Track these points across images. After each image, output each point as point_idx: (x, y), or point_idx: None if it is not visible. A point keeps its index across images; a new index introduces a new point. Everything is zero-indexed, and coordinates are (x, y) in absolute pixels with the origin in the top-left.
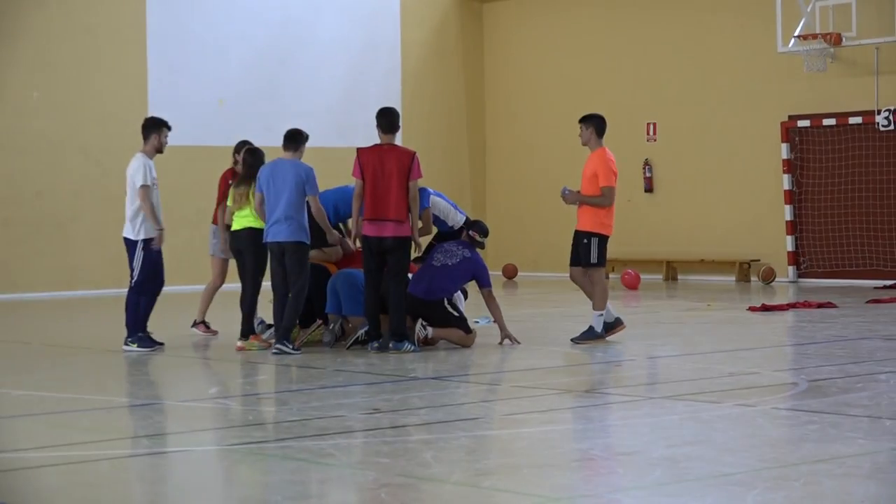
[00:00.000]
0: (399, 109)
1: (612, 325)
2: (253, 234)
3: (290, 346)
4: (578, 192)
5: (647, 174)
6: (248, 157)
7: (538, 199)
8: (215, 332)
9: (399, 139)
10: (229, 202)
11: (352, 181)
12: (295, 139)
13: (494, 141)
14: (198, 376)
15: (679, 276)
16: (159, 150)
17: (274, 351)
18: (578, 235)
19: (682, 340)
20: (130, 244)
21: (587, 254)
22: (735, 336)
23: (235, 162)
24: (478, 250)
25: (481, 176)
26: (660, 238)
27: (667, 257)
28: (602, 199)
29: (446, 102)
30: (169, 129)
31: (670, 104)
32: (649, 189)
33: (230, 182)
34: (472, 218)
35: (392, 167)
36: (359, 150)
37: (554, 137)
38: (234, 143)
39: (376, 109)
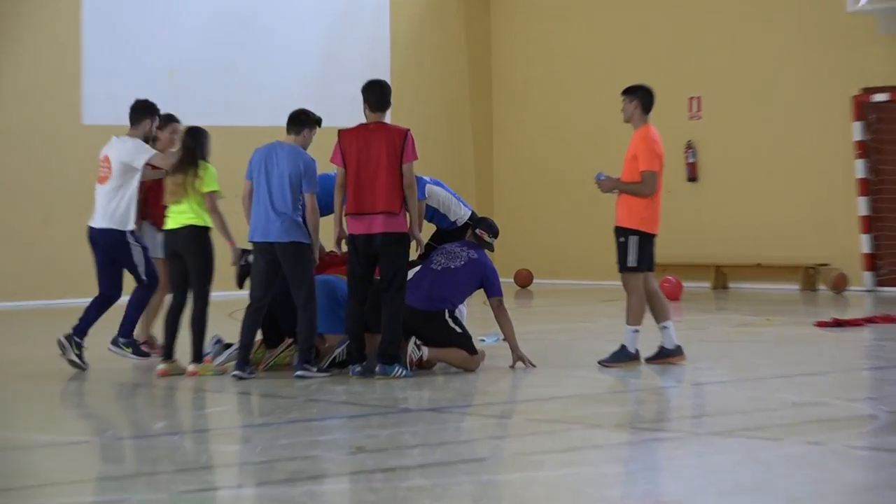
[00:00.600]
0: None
1: (670, 353)
2: (195, 233)
3: (315, 368)
4: (617, 178)
5: (690, 159)
6: (188, 140)
7: (557, 191)
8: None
9: (388, 120)
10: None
11: (332, 168)
12: (299, 121)
13: (503, 123)
14: (141, 407)
15: (730, 284)
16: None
17: (297, 374)
18: (616, 233)
19: (735, 363)
20: (118, 238)
21: (623, 255)
22: (800, 358)
23: (155, 139)
24: (486, 252)
25: (488, 165)
26: (706, 237)
27: (715, 261)
28: (641, 187)
29: (445, 77)
30: (159, 116)
31: (717, 74)
32: (693, 177)
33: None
34: (478, 214)
35: (380, 150)
36: (340, 132)
37: (577, 116)
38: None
39: (359, 84)
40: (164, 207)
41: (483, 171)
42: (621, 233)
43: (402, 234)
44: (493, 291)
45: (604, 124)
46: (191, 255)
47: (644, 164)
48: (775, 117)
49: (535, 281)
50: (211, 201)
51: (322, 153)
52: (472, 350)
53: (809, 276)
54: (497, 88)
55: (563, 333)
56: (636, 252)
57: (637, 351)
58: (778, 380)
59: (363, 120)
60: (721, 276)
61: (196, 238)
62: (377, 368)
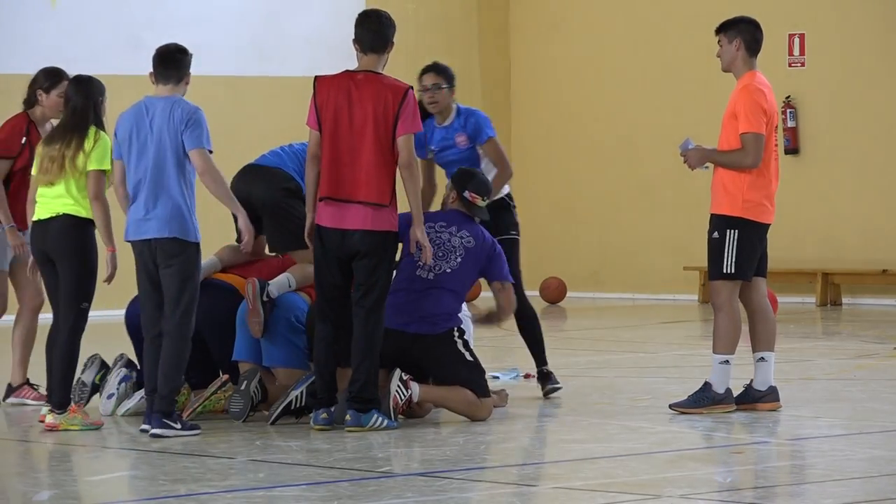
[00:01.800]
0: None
1: (760, 396)
2: (72, 226)
3: (179, 423)
4: (712, 148)
5: (790, 123)
6: (74, 94)
7: (601, 169)
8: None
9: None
10: (34, 170)
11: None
12: (173, 62)
13: (524, 67)
14: (17, 471)
15: (845, 299)
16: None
17: (151, 432)
18: (710, 225)
19: (851, 409)
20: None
21: (717, 256)
22: None
23: (34, 102)
24: (477, 221)
25: (503, 129)
26: (811, 233)
27: (822, 267)
28: (740, 155)
29: (446, 21)
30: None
31: (825, 5)
32: (793, 149)
33: (25, 138)
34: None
35: (367, 110)
36: (317, 79)
37: (628, 58)
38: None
39: (322, 20)
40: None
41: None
42: (717, 224)
43: (388, 233)
44: (497, 275)
45: (656, 82)
46: (64, 260)
47: (745, 124)
48: None
49: (568, 294)
50: (96, 185)
51: (270, 113)
52: (481, 391)
53: None
54: (517, 42)
55: (608, 368)
56: (736, 252)
57: (728, 391)
58: None
59: (327, 66)
60: (831, 288)
61: (72, 233)
62: (348, 417)
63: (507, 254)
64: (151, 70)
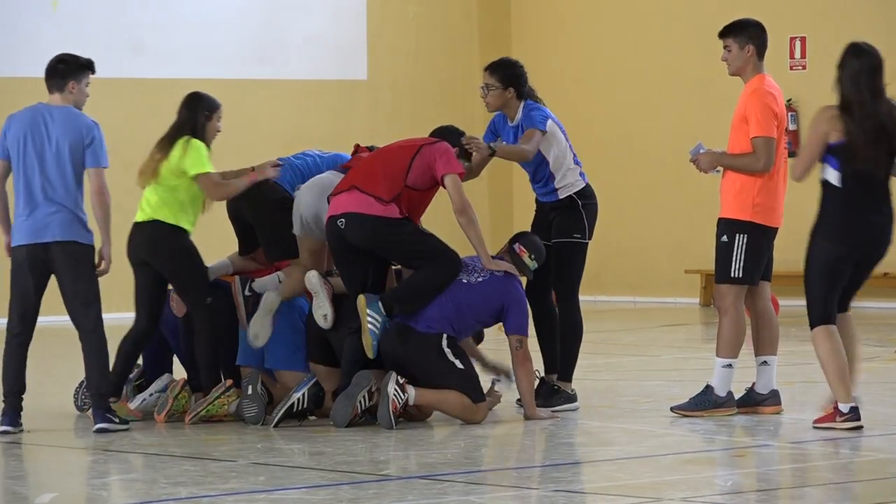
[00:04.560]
0: (362, 33)
1: (762, 400)
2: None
3: (118, 418)
4: (723, 151)
5: (791, 126)
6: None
7: (599, 177)
8: None
9: (364, 76)
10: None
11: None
12: (54, 72)
13: (524, 60)
14: (17, 474)
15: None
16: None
17: (96, 428)
18: (718, 229)
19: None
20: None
21: (726, 260)
22: None
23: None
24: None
25: None
26: None
27: None
28: (751, 159)
29: (447, 25)
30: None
31: (830, 6)
32: (794, 152)
33: None
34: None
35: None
36: None
37: (624, 77)
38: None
39: (322, 23)
40: None
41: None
42: (726, 228)
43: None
44: (515, 327)
45: (660, 80)
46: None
47: (757, 129)
48: None
49: None
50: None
51: (271, 116)
52: (476, 395)
53: None
54: (518, 23)
55: (610, 371)
56: (744, 256)
57: (730, 394)
58: None
59: (322, 68)
60: None
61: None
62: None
63: (566, 257)
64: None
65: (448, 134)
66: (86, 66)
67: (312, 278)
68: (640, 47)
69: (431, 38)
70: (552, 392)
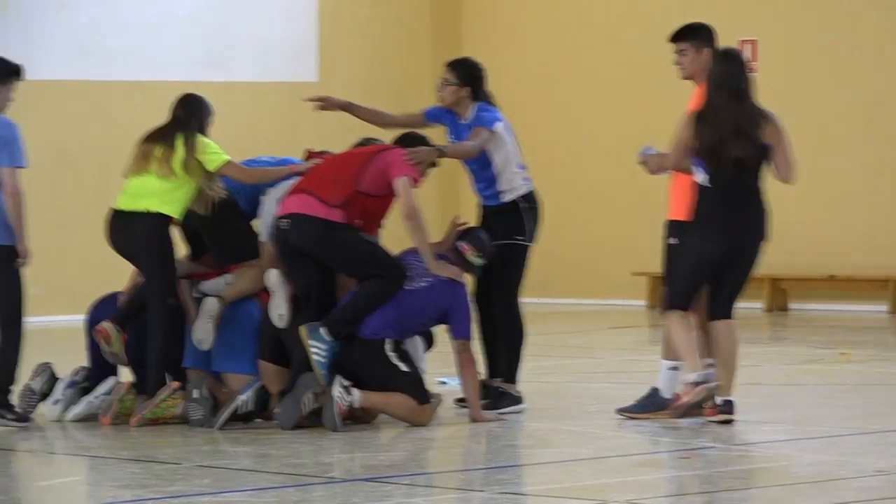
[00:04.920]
0: (314, 35)
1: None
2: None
3: (12, 413)
4: (665, 155)
5: None
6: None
7: (546, 179)
8: None
9: (315, 78)
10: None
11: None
12: None
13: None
14: None
15: (792, 305)
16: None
17: None
18: (667, 231)
19: (797, 414)
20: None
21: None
22: (887, 408)
23: None
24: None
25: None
26: None
27: (770, 272)
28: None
29: (400, 27)
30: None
31: (781, 11)
32: None
33: None
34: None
35: None
36: None
37: (574, 79)
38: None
39: (273, 26)
40: None
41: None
42: (675, 230)
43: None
44: (460, 331)
45: (610, 86)
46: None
47: None
48: (857, 74)
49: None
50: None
51: (229, 121)
52: (421, 397)
53: None
54: (470, 25)
55: (557, 373)
56: None
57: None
58: (857, 438)
59: (273, 70)
60: (779, 294)
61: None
62: (309, 325)
63: (507, 259)
64: None
65: (413, 141)
66: (12, 73)
67: (273, 277)
68: (590, 50)
69: (383, 39)
70: (498, 395)
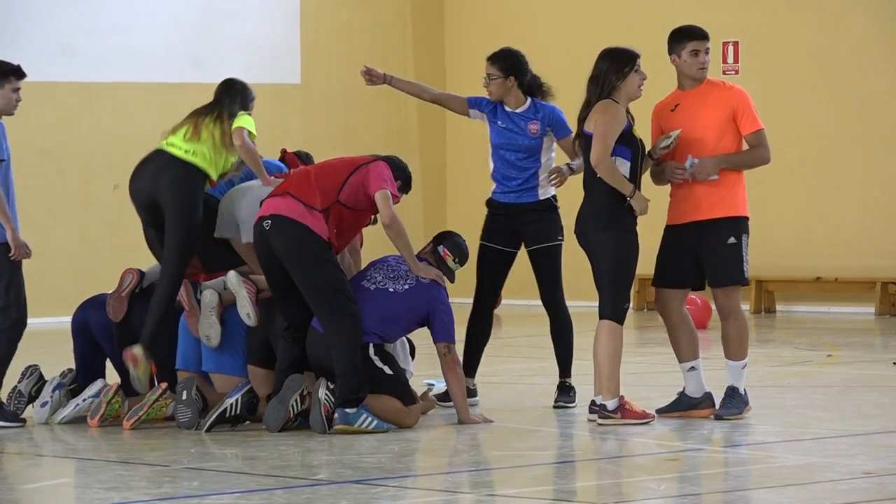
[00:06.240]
0: (296, 37)
1: (696, 403)
2: None
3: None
4: (724, 155)
5: None
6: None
7: None
8: None
9: (297, 80)
10: None
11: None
12: None
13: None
14: None
15: (779, 307)
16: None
17: None
18: (717, 232)
19: (785, 416)
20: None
21: (737, 261)
22: (874, 409)
23: None
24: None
25: (439, 145)
26: None
27: (756, 274)
28: (763, 151)
29: (380, 29)
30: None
31: (763, 13)
32: None
33: None
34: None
35: None
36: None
37: (557, 82)
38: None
39: (255, 27)
40: None
41: (430, 154)
42: (729, 229)
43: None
44: (442, 334)
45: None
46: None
47: (755, 123)
48: (843, 75)
49: (503, 302)
50: None
51: None
52: (407, 399)
53: (889, 296)
54: (452, 27)
55: (544, 375)
56: (748, 255)
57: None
58: (845, 439)
59: (255, 72)
60: (765, 296)
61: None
62: (336, 415)
63: (550, 260)
64: None
65: (395, 168)
66: (10, 73)
67: (232, 278)
68: (573, 54)
69: (365, 42)
70: (566, 388)
